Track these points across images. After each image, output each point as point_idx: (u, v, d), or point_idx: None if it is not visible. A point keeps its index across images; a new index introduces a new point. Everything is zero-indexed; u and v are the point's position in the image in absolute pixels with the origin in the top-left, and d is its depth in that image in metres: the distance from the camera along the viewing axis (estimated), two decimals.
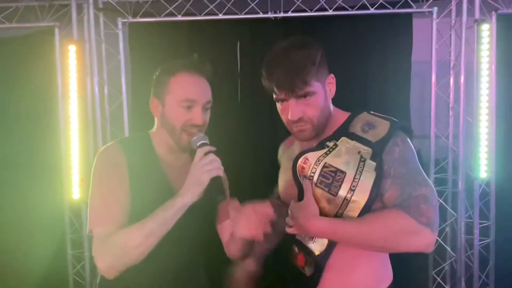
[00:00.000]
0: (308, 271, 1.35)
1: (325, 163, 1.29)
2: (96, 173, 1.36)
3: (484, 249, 2.91)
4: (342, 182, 1.25)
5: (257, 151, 2.98)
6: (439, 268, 2.99)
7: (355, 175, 1.24)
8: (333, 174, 1.26)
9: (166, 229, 1.26)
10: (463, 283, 2.95)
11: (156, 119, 1.46)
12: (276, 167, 1.62)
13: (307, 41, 1.36)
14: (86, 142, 2.93)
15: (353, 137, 1.32)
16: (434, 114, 2.89)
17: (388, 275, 1.40)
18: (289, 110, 1.31)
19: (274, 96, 1.35)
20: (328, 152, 1.31)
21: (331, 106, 1.41)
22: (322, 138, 1.37)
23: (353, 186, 1.24)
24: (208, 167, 1.27)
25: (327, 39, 2.86)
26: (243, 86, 2.97)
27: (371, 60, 2.88)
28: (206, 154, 1.29)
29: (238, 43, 2.95)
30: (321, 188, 1.27)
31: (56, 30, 2.89)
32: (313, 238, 1.34)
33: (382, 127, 1.31)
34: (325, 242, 1.31)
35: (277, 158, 1.65)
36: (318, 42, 1.37)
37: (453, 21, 2.85)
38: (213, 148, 1.32)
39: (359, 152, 1.28)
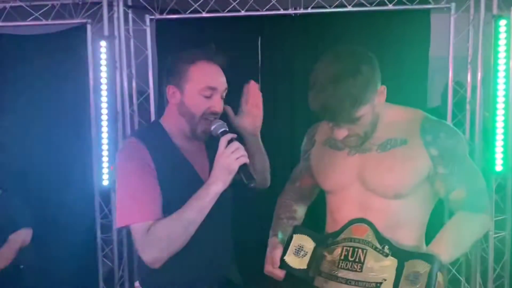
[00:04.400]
0: None
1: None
2: (123, 171, 1.39)
3: (500, 242, 2.94)
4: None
5: (278, 144, 3.07)
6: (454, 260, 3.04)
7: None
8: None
9: (203, 216, 1.33)
10: (478, 275, 2.99)
11: (169, 106, 1.47)
12: (296, 157, 1.69)
13: (362, 61, 1.28)
14: (115, 132, 3.09)
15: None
16: (451, 108, 2.95)
17: None
18: (334, 129, 1.35)
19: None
20: None
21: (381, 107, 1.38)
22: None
23: None
24: (235, 155, 1.30)
25: (346, 35, 2.94)
26: (264, 80, 3.07)
27: (389, 55, 2.92)
28: (230, 141, 1.33)
29: (259, 39, 3.06)
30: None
31: (88, 27, 3.04)
32: None
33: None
34: None
35: (296, 151, 1.69)
36: (371, 52, 1.33)
37: (471, 17, 2.87)
38: (235, 135, 1.36)
39: None
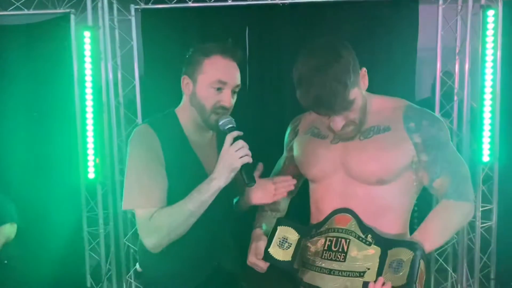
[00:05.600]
0: None
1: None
2: (133, 156, 1.42)
3: (486, 231, 2.97)
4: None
5: (266, 137, 3.05)
6: (441, 249, 3.05)
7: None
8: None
9: (203, 209, 1.37)
10: (464, 264, 3.02)
11: (184, 97, 1.51)
12: (283, 150, 1.67)
13: (339, 47, 1.31)
14: (101, 124, 3.04)
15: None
16: (439, 99, 2.95)
17: None
18: (331, 122, 1.35)
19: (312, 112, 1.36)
20: None
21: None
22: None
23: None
24: (240, 153, 1.32)
25: (333, 25, 2.91)
26: (252, 72, 3.04)
27: (377, 46, 2.91)
28: (235, 139, 1.35)
29: (247, 29, 3.02)
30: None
31: (72, 17, 2.97)
32: None
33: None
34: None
35: (284, 142, 1.67)
36: (345, 39, 1.34)
37: (459, 7, 2.87)
38: (241, 133, 1.37)
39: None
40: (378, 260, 1.29)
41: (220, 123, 1.42)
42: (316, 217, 1.49)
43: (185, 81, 1.48)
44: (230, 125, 1.40)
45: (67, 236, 3.11)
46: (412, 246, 1.26)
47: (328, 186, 1.45)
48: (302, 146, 1.54)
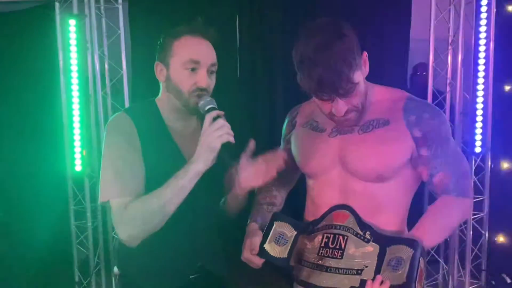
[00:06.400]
0: None
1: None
2: (108, 144, 1.36)
3: (478, 223, 2.97)
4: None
5: (257, 126, 3.02)
6: None
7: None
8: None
9: (182, 196, 1.27)
10: (456, 256, 3.02)
11: (161, 85, 1.44)
12: (275, 141, 1.63)
13: (342, 26, 1.24)
14: (88, 116, 2.98)
15: None
16: (432, 90, 2.92)
17: None
18: (333, 107, 1.28)
19: (314, 96, 1.28)
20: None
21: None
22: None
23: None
24: (218, 132, 1.25)
25: (326, 14, 2.86)
26: (242, 60, 3.00)
27: (369, 36, 2.88)
28: (215, 119, 1.27)
29: (237, 18, 2.97)
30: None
31: (57, 5, 2.89)
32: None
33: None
34: None
35: (276, 132, 1.63)
36: (346, 20, 1.27)
37: None
38: (222, 112, 1.29)
39: None
40: (376, 257, 1.25)
41: (200, 103, 1.34)
42: (312, 212, 1.44)
43: (158, 67, 1.41)
44: (210, 106, 1.32)
45: (54, 230, 3.07)
46: (411, 243, 1.21)
47: (326, 182, 1.40)
48: (300, 140, 1.49)
